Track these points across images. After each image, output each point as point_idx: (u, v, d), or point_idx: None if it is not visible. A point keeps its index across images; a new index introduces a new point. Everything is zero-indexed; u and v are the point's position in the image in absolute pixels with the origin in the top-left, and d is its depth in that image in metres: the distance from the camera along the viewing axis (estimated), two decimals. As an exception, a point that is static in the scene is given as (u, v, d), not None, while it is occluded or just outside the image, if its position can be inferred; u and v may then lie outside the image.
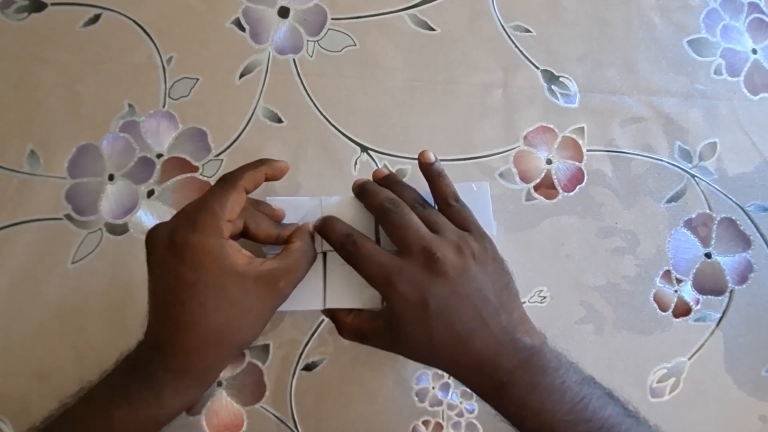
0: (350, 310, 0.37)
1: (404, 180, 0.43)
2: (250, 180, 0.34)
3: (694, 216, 0.45)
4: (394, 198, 0.35)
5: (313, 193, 0.39)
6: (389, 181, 0.38)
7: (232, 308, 0.31)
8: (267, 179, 0.36)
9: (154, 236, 0.32)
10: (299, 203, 0.38)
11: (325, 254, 0.38)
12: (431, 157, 0.37)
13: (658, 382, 0.43)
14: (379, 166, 0.44)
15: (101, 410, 0.30)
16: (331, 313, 0.38)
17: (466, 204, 0.37)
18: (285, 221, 0.38)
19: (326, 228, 0.36)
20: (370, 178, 0.39)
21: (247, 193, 0.34)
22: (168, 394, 0.31)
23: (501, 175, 0.44)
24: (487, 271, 0.34)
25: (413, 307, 0.32)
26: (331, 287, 0.38)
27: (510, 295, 0.34)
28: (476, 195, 0.38)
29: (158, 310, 0.32)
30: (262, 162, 0.36)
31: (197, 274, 0.31)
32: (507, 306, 0.33)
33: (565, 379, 0.32)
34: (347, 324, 0.36)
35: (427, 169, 0.37)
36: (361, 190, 0.37)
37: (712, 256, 0.45)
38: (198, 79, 0.44)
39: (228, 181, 0.33)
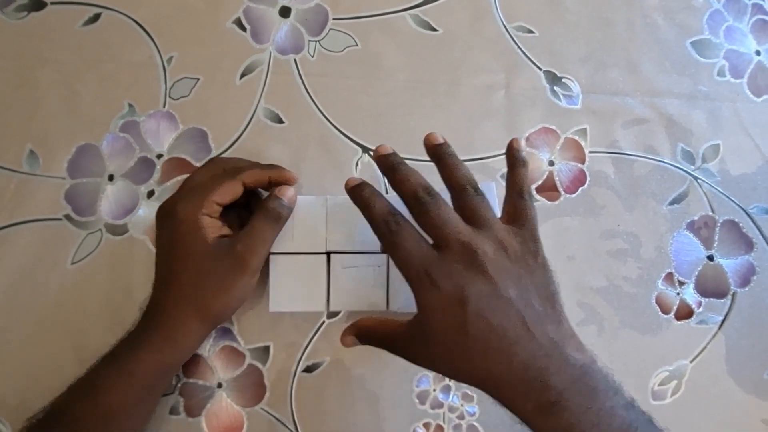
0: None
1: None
2: (252, 177, 0.37)
3: (696, 218, 0.45)
4: (428, 186, 0.32)
5: (314, 194, 0.39)
6: (442, 153, 0.34)
7: (197, 273, 0.35)
8: (270, 184, 0.38)
9: (160, 206, 0.37)
10: (304, 202, 0.38)
11: (328, 256, 0.38)
12: (521, 145, 0.35)
13: (660, 384, 0.43)
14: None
15: (91, 369, 0.35)
16: (358, 332, 0.35)
17: (533, 204, 0.34)
18: (290, 221, 0.38)
19: (368, 201, 0.32)
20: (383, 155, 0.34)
21: (245, 187, 0.37)
22: (143, 350, 0.34)
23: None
24: (533, 277, 0.31)
25: (450, 304, 0.29)
26: (335, 289, 0.38)
27: (557, 306, 0.31)
28: None
29: (155, 272, 0.37)
30: (272, 166, 0.38)
31: (172, 239, 0.35)
32: (554, 316, 0.31)
33: (614, 403, 0.29)
34: (366, 327, 0.34)
35: (513, 154, 0.35)
36: (389, 168, 0.33)
37: (715, 258, 0.44)
38: (198, 79, 0.44)
39: (234, 170, 0.37)
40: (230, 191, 0.36)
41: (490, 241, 0.30)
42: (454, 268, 0.29)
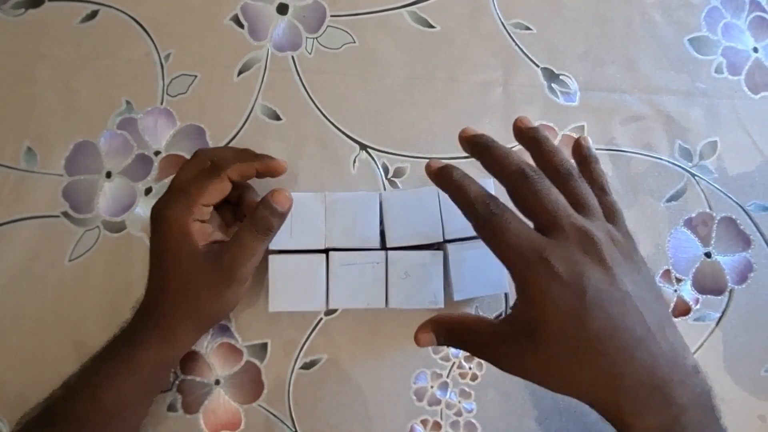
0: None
1: (403, 178, 0.43)
2: (238, 171, 0.36)
3: (694, 215, 0.45)
4: (533, 165, 0.29)
5: (311, 191, 0.39)
6: (537, 136, 0.31)
7: (188, 280, 0.34)
8: (259, 175, 0.37)
9: (153, 206, 0.36)
10: (302, 198, 0.38)
11: (327, 254, 0.38)
12: (589, 143, 0.34)
13: (657, 381, 0.43)
14: (378, 165, 0.44)
15: (87, 367, 0.35)
16: (435, 329, 0.31)
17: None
18: (288, 218, 0.37)
19: (460, 183, 0.29)
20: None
21: (232, 182, 0.36)
22: (142, 348, 0.34)
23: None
24: (642, 273, 0.28)
25: (568, 292, 0.25)
26: (334, 287, 0.38)
27: (667, 308, 0.30)
28: None
29: (149, 273, 0.36)
30: (257, 157, 0.37)
31: (164, 245, 0.35)
32: (669, 319, 0.28)
33: (726, 429, 0.27)
34: (447, 323, 0.30)
35: (583, 151, 0.33)
36: (482, 148, 0.30)
37: (712, 255, 0.44)
38: (196, 76, 0.44)
39: (215, 168, 0.35)
40: (218, 191, 0.35)
41: (602, 231, 0.28)
42: (571, 253, 0.26)
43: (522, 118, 0.32)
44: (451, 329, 0.30)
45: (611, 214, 0.31)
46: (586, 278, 0.26)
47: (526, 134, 0.32)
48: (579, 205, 0.29)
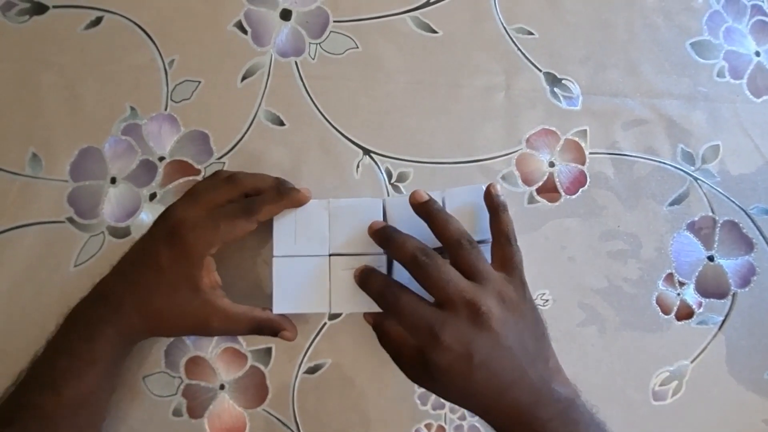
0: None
1: (407, 183, 0.44)
2: (268, 214, 0.37)
3: (696, 219, 0.45)
4: (425, 248, 0.34)
5: (315, 196, 0.39)
6: (430, 209, 0.36)
7: (171, 305, 0.35)
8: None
9: (173, 212, 0.36)
10: (306, 205, 0.39)
11: (329, 258, 0.38)
12: (498, 189, 0.37)
13: (661, 385, 0.43)
14: (382, 170, 0.44)
15: (40, 362, 0.35)
16: (377, 323, 0.38)
17: (518, 248, 0.36)
18: (293, 224, 0.38)
19: (365, 280, 0.36)
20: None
21: (258, 223, 0.37)
22: (99, 346, 0.34)
23: (503, 178, 0.44)
24: (526, 320, 0.34)
25: (457, 359, 0.31)
26: (336, 291, 0.38)
27: (545, 344, 0.34)
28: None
29: (127, 266, 0.37)
30: (282, 197, 0.38)
31: (170, 264, 0.35)
32: (543, 354, 0.34)
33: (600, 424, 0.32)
34: (386, 332, 0.37)
35: (493, 200, 0.37)
36: (384, 239, 0.36)
37: (715, 259, 0.45)
38: (200, 82, 0.44)
39: (250, 211, 0.36)
40: (243, 233, 0.36)
41: (491, 295, 0.33)
42: (460, 327, 0.32)
43: (415, 193, 0.36)
44: (383, 333, 0.37)
45: (507, 265, 0.35)
46: (473, 346, 0.31)
47: (419, 209, 0.36)
48: (470, 273, 0.33)
